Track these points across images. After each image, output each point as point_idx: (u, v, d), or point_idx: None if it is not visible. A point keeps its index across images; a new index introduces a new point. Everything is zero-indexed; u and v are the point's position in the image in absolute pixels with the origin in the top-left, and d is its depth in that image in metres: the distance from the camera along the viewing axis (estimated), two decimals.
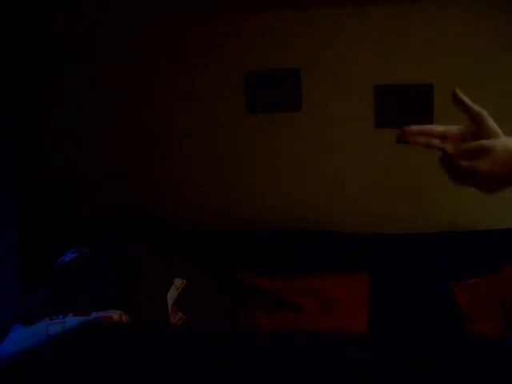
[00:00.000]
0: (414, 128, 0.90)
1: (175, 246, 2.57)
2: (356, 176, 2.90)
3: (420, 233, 2.71)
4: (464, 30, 2.76)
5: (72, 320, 1.88)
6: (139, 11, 2.87)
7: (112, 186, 3.01)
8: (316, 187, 2.93)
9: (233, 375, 1.54)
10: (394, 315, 2.42)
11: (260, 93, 2.91)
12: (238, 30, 2.89)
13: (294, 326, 2.36)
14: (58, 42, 2.95)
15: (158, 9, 2.85)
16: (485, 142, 0.86)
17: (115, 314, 1.93)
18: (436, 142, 0.92)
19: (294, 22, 2.85)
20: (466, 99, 0.92)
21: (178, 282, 2.31)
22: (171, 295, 2.24)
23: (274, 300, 2.49)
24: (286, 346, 1.69)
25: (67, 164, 3.02)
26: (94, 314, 1.91)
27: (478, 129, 0.90)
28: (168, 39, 2.94)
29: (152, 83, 2.97)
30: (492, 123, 0.89)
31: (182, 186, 3.00)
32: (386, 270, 2.58)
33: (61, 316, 1.91)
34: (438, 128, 0.91)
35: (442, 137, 0.91)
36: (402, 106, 2.81)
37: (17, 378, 1.62)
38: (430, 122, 2.80)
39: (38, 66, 2.98)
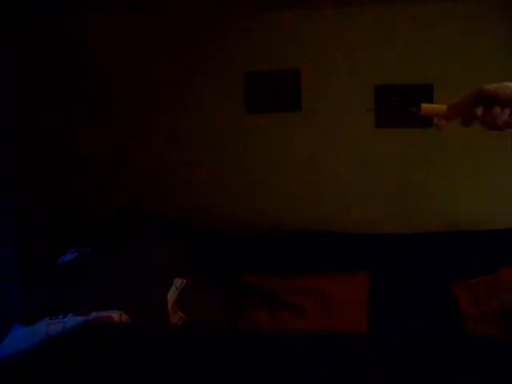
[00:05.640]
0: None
1: (175, 245, 2.57)
2: (356, 176, 2.90)
3: (420, 233, 2.71)
4: (464, 30, 2.76)
5: (72, 320, 1.88)
6: (139, 11, 2.87)
7: (112, 186, 3.01)
8: (316, 187, 2.93)
9: (233, 375, 1.54)
10: (394, 315, 2.42)
11: (260, 93, 2.91)
12: (238, 29, 2.89)
13: (293, 326, 2.36)
14: (58, 42, 2.95)
15: (158, 9, 2.85)
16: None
17: (115, 314, 1.93)
18: None
19: (294, 22, 2.85)
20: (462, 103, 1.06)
21: (177, 282, 2.32)
22: (171, 295, 2.25)
23: (274, 300, 2.49)
24: (286, 346, 1.69)
25: (67, 164, 3.02)
26: (93, 314, 1.91)
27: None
28: (168, 39, 2.94)
29: (152, 83, 2.97)
30: (494, 87, 0.99)
31: (181, 186, 3.00)
32: (386, 270, 2.58)
33: (61, 316, 1.91)
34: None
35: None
36: (402, 106, 2.81)
37: (17, 378, 1.62)
38: (430, 122, 2.80)
39: (38, 66, 2.97)
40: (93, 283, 2.13)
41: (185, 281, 2.34)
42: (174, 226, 2.80)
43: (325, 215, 2.90)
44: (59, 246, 2.53)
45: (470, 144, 2.80)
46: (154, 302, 2.16)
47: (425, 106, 1.11)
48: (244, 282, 2.59)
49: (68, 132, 3.01)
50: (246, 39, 2.89)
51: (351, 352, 1.66)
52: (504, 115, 1.00)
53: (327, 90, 2.88)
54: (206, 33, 2.91)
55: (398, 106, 2.82)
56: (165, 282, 2.27)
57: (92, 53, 2.96)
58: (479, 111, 1.03)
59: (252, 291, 2.56)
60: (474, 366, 1.54)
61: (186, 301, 2.30)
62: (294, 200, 2.95)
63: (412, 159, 2.86)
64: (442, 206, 2.85)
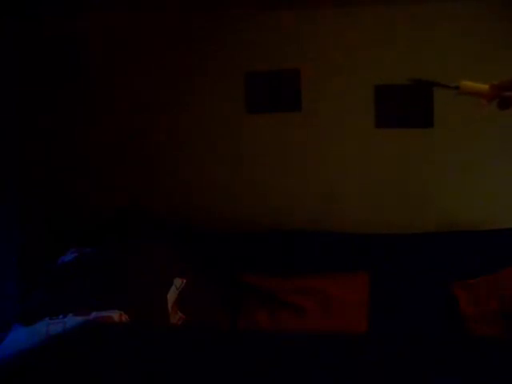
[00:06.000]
0: None
1: (175, 246, 2.57)
2: (356, 176, 2.90)
3: (420, 233, 2.71)
4: (464, 30, 2.76)
5: (72, 320, 1.88)
6: (139, 11, 2.87)
7: (112, 186, 3.01)
8: (316, 187, 2.93)
9: (233, 375, 1.54)
10: (394, 315, 2.42)
11: (260, 93, 2.91)
12: (238, 29, 2.89)
13: (294, 326, 2.36)
14: (58, 42, 2.95)
15: (157, 8, 2.85)
16: None
17: (115, 314, 1.93)
18: None
19: (294, 22, 2.85)
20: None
21: (177, 282, 2.32)
22: (171, 295, 2.24)
23: (274, 300, 2.49)
24: (286, 346, 1.69)
25: (67, 164, 3.02)
26: (93, 314, 1.91)
27: None
28: (168, 39, 2.94)
29: (152, 83, 2.97)
30: None
31: (181, 185, 3.00)
32: (386, 270, 2.58)
33: (61, 316, 1.91)
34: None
35: None
36: (402, 105, 2.81)
37: (17, 378, 1.62)
38: (431, 122, 2.81)
39: (38, 66, 2.98)
40: (93, 283, 2.13)
41: (185, 281, 2.34)
42: (173, 225, 2.80)
43: (324, 215, 2.90)
44: (59, 246, 2.53)
45: (470, 144, 2.81)
46: (154, 302, 2.15)
47: (465, 84, 1.09)
48: (244, 281, 2.59)
49: (68, 132, 3.01)
50: (245, 39, 2.89)
51: (351, 352, 1.66)
52: None
53: (327, 90, 2.88)
54: (205, 33, 2.91)
55: (398, 105, 2.82)
56: (165, 282, 2.27)
57: (92, 53, 2.96)
58: None
59: (252, 291, 2.56)
60: (474, 365, 1.54)
61: (186, 301, 2.30)
62: (294, 200, 2.95)
63: (412, 159, 2.86)
64: (442, 206, 2.85)
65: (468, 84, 1.10)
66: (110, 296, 2.04)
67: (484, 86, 1.07)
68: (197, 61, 2.94)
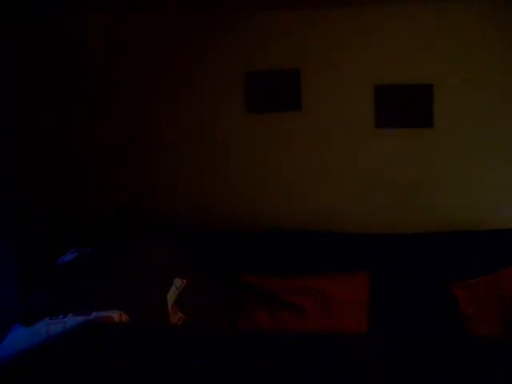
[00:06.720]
0: None
1: (175, 246, 2.57)
2: (356, 176, 2.90)
3: (420, 233, 2.71)
4: (464, 30, 2.76)
5: (72, 320, 1.88)
6: (139, 11, 2.87)
7: (112, 186, 3.01)
8: (316, 187, 2.93)
9: (233, 375, 1.54)
10: (394, 315, 2.42)
11: (260, 93, 2.91)
12: (238, 29, 2.89)
13: (294, 326, 2.36)
14: (58, 42, 2.95)
15: (157, 8, 2.85)
16: None
17: (115, 314, 1.93)
18: None
19: (294, 22, 2.85)
20: None
21: (177, 282, 2.32)
22: (171, 295, 2.25)
23: (274, 300, 2.50)
24: (286, 346, 1.69)
25: (67, 164, 3.02)
26: (94, 314, 1.91)
27: None
28: (168, 39, 2.94)
29: (152, 83, 2.97)
30: None
31: (181, 186, 3.00)
32: (386, 270, 2.59)
33: (61, 316, 1.91)
34: None
35: None
36: (402, 106, 2.81)
37: (17, 378, 1.62)
38: (431, 122, 2.81)
39: (38, 66, 2.97)
40: (93, 283, 2.13)
41: (185, 281, 2.34)
42: (173, 226, 2.80)
43: (325, 215, 2.90)
44: (59, 246, 2.53)
45: (470, 144, 2.81)
46: (154, 302, 2.16)
47: None
48: (244, 281, 2.59)
49: (68, 132, 3.01)
50: (246, 39, 2.89)
51: (351, 352, 1.66)
52: None
53: (327, 90, 2.88)
54: (205, 33, 2.91)
55: (398, 106, 2.82)
56: (165, 282, 2.27)
57: (92, 53, 2.96)
58: None
59: (252, 291, 2.56)
60: (474, 365, 1.54)
61: (186, 301, 2.30)
62: (294, 200, 2.95)
63: (412, 159, 2.86)
64: (442, 206, 2.85)
65: None
66: (110, 296, 2.04)
67: None
68: (197, 61, 2.94)
